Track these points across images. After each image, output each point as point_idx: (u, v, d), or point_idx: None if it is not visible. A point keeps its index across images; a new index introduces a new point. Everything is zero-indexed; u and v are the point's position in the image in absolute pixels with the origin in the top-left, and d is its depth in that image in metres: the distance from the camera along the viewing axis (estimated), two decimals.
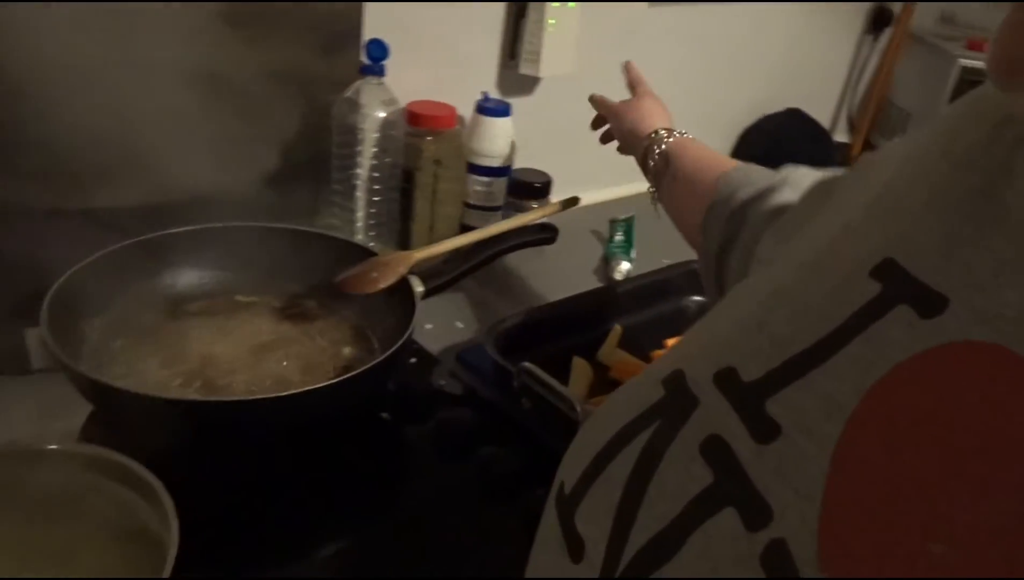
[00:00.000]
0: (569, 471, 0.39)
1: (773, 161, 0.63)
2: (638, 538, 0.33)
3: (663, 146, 0.74)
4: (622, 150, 0.84)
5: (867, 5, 1.62)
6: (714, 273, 0.64)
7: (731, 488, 0.31)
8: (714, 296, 0.66)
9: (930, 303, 0.29)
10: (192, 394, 0.69)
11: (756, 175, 0.63)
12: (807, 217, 0.46)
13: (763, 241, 0.54)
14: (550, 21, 1.07)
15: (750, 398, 0.32)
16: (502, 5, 1.09)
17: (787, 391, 0.31)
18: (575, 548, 0.36)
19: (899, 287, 0.30)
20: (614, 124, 0.83)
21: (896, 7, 1.60)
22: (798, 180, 0.59)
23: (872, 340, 0.30)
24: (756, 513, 0.29)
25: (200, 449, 0.66)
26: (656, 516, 0.32)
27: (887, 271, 0.31)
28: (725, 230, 0.61)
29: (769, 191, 0.59)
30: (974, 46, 1.53)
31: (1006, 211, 0.29)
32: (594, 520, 0.35)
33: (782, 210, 0.56)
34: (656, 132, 0.75)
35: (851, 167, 0.49)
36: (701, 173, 0.69)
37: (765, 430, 0.31)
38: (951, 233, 0.30)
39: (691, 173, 0.70)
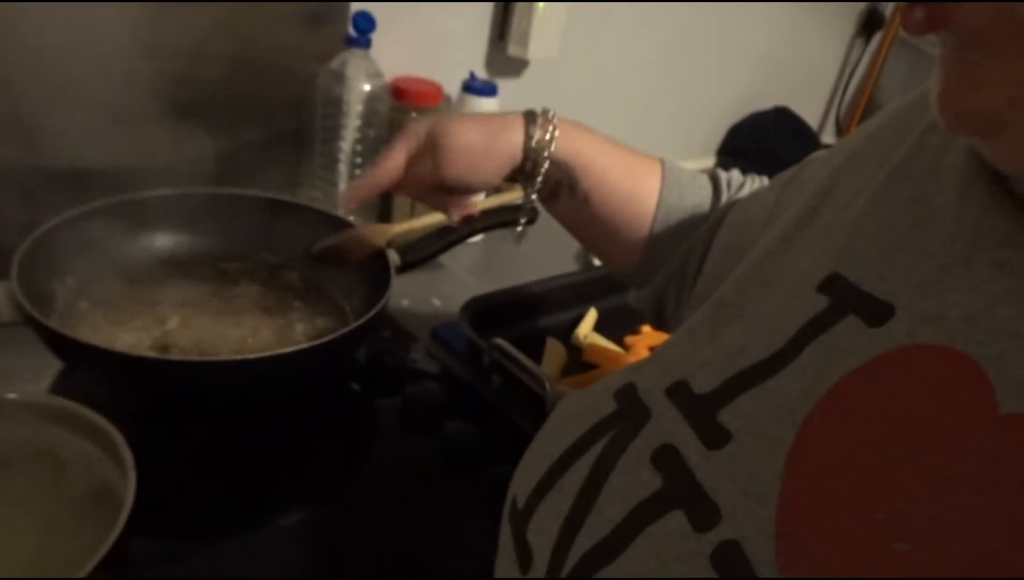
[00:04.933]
0: (521, 485, 0.39)
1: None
2: (584, 542, 0.33)
3: (554, 152, 0.59)
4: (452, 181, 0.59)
5: (858, 6, 1.63)
6: (656, 295, 0.61)
7: (679, 491, 0.31)
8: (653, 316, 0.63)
9: (877, 312, 0.30)
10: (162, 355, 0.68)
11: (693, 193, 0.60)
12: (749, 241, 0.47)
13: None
14: (540, 3, 1.07)
15: (702, 408, 0.33)
16: None
17: (739, 401, 0.31)
18: (524, 559, 0.36)
19: (846, 299, 0.31)
20: (434, 153, 0.59)
21: (887, 7, 1.61)
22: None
23: (822, 350, 0.30)
24: (704, 514, 0.29)
25: (166, 410, 0.66)
26: (603, 521, 0.33)
27: (833, 285, 0.32)
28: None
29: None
30: None
31: (938, 215, 0.30)
32: (543, 530, 0.35)
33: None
34: (532, 117, 0.59)
35: (772, 183, 0.50)
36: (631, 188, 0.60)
37: (716, 437, 0.31)
38: (891, 241, 0.31)
39: (616, 187, 0.60)
